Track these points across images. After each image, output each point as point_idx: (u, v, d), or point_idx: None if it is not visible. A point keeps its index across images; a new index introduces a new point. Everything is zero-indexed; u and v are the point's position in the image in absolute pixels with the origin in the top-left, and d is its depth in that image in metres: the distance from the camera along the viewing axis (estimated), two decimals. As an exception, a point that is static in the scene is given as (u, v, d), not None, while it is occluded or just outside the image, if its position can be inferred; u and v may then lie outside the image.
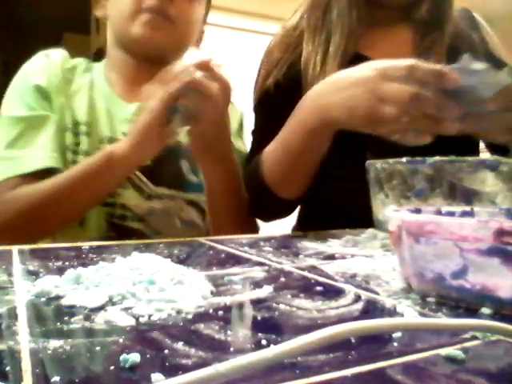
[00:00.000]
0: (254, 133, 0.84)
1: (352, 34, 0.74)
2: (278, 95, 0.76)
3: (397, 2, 0.78)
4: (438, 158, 0.54)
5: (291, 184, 0.69)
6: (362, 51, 0.76)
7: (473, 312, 0.29)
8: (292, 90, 0.73)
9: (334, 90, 0.58)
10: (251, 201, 0.76)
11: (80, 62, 0.86)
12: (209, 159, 0.70)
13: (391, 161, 0.56)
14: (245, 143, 0.91)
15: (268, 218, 0.81)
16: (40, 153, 0.72)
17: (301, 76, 0.75)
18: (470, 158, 0.53)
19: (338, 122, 0.58)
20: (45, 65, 0.80)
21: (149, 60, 0.80)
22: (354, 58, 0.74)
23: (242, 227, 0.72)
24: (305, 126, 0.62)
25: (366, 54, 0.75)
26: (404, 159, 0.55)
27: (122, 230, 0.75)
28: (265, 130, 0.76)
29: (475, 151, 0.80)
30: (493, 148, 0.77)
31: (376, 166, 0.58)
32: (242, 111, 0.94)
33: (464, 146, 0.69)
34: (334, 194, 0.73)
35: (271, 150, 0.69)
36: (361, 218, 0.62)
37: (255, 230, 0.82)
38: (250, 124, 0.89)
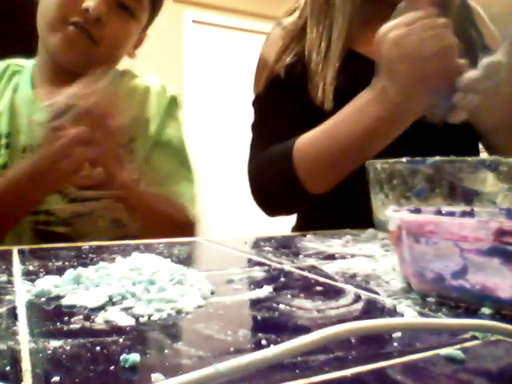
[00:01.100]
0: (257, 126, 0.82)
1: (354, 19, 0.74)
2: (288, 82, 0.76)
3: None
4: (437, 157, 0.54)
5: (330, 177, 0.68)
6: (358, 49, 0.76)
7: (473, 312, 0.29)
8: (299, 78, 0.74)
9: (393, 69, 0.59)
10: (265, 193, 0.76)
11: (8, 65, 0.83)
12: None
13: (391, 161, 0.56)
14: (179, 128, 0.88)
15: (278, 212, 0.80)
16: None
17: (305, 64, 0.75)
18: (469, 158, 0.53)
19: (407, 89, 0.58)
20: None
21: (65, 68, 0.78)
22: (349, 56, 0.74)
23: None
24: (373, 109, 0.62)
25: (361, 52, 0.76)
26: (404, 159, 0.55)
27: (48, 235, 0.74)
28: (275, 119, 0.76)
29: (475, 151, 0.80)
30: (489, 148, 0.78)
31: (376, 166, 0.58)
32: (175, 95, 0.90)
33: (463, 146, 0.69)
34: (334, 193, 0.73)
35: (315, 138, 0.68)
36: (361, 218, 0.62)
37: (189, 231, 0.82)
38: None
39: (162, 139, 0.85)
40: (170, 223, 0.77)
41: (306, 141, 0.69)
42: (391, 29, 0.57)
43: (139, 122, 0.84)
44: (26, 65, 0.84)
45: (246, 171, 0.80)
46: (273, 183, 0.74)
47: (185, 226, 0.80)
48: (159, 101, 0.87)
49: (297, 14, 0.81)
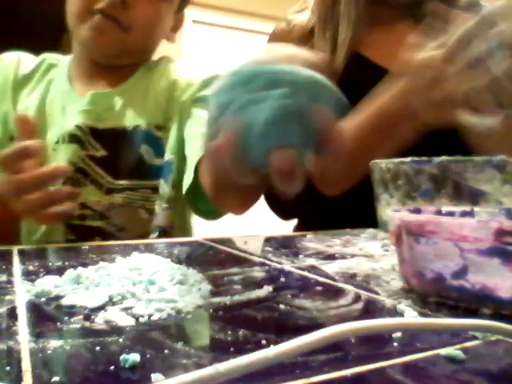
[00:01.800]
0: None
1: (359, 23, 0.74)
2: None
3: (400, 0, 0.78)
4: (443, 157, 0.53)
5: (345, 180, 0.68)
6: (362, 51, 0.76)
7: (473, 312, 0.29)
8: None
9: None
10: (282, 200, 0.74)
11: (44, 59, 0.82)
12: None
13: (396, 160, 0.56)
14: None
15: (292, 216, 0.80)
16: None
17: None
18: (475, 158, 0.53)
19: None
20: None
21: (100, 61, 0.77)
22: (355, 59, 0.74)
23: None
24: (388, 111, 0.61)
25: (366, 55, 0.76)
26: (409, 159, 0.55)
27: (83, 230, 0.71)
28: None
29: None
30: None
31: (381, 165, 0.58)
32: (201, 81, 0.83)
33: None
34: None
35: None
36: (362, 218, 0.62)
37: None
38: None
39: (195, 98, 0.78)
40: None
41: None
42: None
43: (174, 107, 0.78)
44: (63, 59, 0.83)
45: None
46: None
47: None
48: (189, 92, 0.80)
49: (305, 14, 0.81)
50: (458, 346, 0.23)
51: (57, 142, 0.73)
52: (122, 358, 0.21)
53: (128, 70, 0.80)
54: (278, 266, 0.42)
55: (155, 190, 0.75)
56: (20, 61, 0.80)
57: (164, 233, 0.76)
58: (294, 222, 0.87)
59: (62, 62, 0.82)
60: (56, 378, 0.19)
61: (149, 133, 0.74)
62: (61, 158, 0.71)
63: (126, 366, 0.21)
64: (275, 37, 0.84)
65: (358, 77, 0.74)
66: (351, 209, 0.73)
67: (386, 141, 0.62)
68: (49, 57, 0.83)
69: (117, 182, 0.73)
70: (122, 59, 0.77)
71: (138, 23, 0.73)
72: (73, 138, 0.72)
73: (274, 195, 0.78)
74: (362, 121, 0.63)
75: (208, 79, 0.85)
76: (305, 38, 0.78)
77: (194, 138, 0.73)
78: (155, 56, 0.85)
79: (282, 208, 0.78)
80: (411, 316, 0.28)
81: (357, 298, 0.32)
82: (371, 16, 0.76)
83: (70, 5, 0.74)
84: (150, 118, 0.76)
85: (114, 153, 0.72)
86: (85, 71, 0.79)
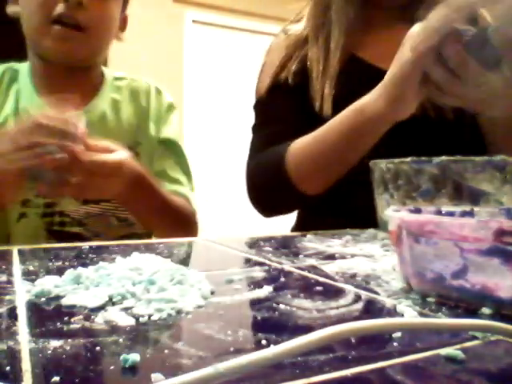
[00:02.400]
0: (257, 128, 0.84)
1: (350, 31, 0.76)
2: (290, 88, 0.77)
3: (394, 2, 0.78)
4: (443, 157, 0.53)
5: (323, 177, 0.70)
6: (357, 53, 0.77)
7: (473, 312, 0.29)
8: (301, 84, 0.76)
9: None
10: (260, 194, 0.78)
11: (3, 70, 0.83)
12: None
13: (396, 161, 0.56)
14: (174, 131, 0.90)
15: (273, 212, 0.82)
16: None
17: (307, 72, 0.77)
18: (476, 158, 0.53)
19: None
20: None
21: (66, 67, 0.79)
22: (351, 60, 0.75)
23: (176, 230, 0.75)
24: (363, 111, 0.63)
25: (361, 56, 0.77)
26: (409, 159, 0.55)
27: (62, 235, 0.77)
28: (275, 122, 0.78)
29: (481, 151, 0.80)
30: (491, 144, 0.77)
31: (381, 165, 0.58)
32: (169, 100, 0.93)
33: (470, 145, 0.69)
34: (334, 193, 0.73)
35: (307, 141, 0.70)
36: (361, 218, 0.62)
37: (193, 229, 0.84)
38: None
39: (160, 139, 0.87)
40: (175, 214, 0.79)
41: (299, 144, 0.71)
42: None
43: (143, 125, 0.87)
44: (21, 68, 0.85)
45: (245, 173, 0.82)
46: (267, 185, 0.76)
47: (188, 220, 0.82)
48: (158, 103, 0.90)
49: (302, 23, 0.82)
50: (458, 346, 0.23)
51: None
52: (122, 357, 0.21)
53: (90, 76, 0.85)
54: (278, 265, 0.42)
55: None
56: None
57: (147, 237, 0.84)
58: (293, 222, 0.88)
59: (21, 71, 0.84)
60: (56, 378, 0.19)
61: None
62: None
63: (126, 366, 0.21)
64: (272, 47, 0.86)
65: (354, 78, 0.74)
66: (351, 209, 0.73)
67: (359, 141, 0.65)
68: (8, 67, 0.84)
69: None
70: (82, 61, 0.81)
71: (94, 22, 0.77)
72: None
73: (257, 191, 0.80)
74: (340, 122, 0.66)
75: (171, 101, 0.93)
76: (300, 45, 0.80)
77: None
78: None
79: (264, 204, 0.80)
80: (411, 316, 0.28)
81: (357, 298, 0.32)
82: (365, 19, 0.77)
83: (27, 18, 0.77)
84: (122, 137, 0.80)
85: None
86: (49, 80, 0.81)
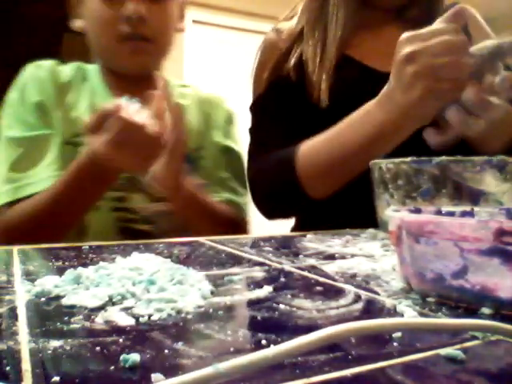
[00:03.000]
0: (256, 130, 0.83)
1: (348, 25, 0.76)
2: (288, 83, 0.77)
3: (389, 3, 0.78)
4: (443, 157, 0.53)
5: (333, 181, 0.69)
6: (351, 54, 0.77)
7: (473, 312, 0.29)
8: (299, 80, 0.76)
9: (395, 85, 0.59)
10: (267, 198, 0.78)
11: (75, 69, 0.85)
12: (172, 190, 0.73)
13: (396, 160, 0.56)
14: (236, 141, 0.93)
15: (279, 215, 0.82)
16: (42, 175, 0.73)
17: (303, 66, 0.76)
18: (475, 158, 0.53)
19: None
20: (39, 79, 0.80)
21: (136, 75, 0.83)
22: (343, 61, 0.75)
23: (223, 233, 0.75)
24: (377, 116, 0.62)
25: (354, 57, 0.77)
26: (409, 159, 0.55)
27: (133, 232, 0.78)
28: (274, 122, 0.78)
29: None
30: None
31: (381, 165, 0.58)
32: (232, 110, 0.96)
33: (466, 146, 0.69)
34: (334, 193, 0.73)
35: (317, 146, 0.69)
36: (361, 218, 0.62)
37: (240, 232, 0.85)
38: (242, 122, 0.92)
39: (223, 146, 0.91)
40: (221, 221, 0.81)
41: (309, 147, 0.70)
42: (407, 42, 0.56)
43: (207, 131, 0.90)
44: (89, 69, 0.87)
45: (246, 175, 0.82)
46: (275, 188, 0.75)
47: (236, 228, 0.84)
48: (221, 111, 0.94)
49: (294, 20, 0.82)
50: (458, 346, 0.23)
51: None
52: (122, 357, 0.21)
53: (155, 80, 0.87)
54: (278, 265, 0.42)
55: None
56: (56, 68, 0.84)
57: None
58: (293, 222, 0.88)
59: (90, 71, 0.86)
60: (56, 378, 0.19)
61: (188, 154, 0.79)
62: None
63: (126, 366, 0.21)
64: (265, 46, 0.85)
65: (347, 77, 0.74)
66: (351, 209, 0.73)
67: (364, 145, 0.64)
68: (78, 66, 0.87)
69: (162, 193, 0.79)
70: (153, 69, 0.85)
71: (159, 31, 0.80)
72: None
73: (263, 194, 0.80)
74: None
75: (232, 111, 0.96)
76: (293, 41, 0.79)
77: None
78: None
79: (268, 206, 0.80)
80: (411, 316, 0.28)
81: (357, 298, 0.32)
82: (360, 18, 0.77)
83: (93, 37, 0.80)
84: (188, 140, 0.81)
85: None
86: (120, 84, 0.84)
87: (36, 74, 0.80)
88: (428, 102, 0.56)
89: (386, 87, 0.61)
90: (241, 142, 0.96)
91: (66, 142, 0.78)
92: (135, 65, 0.80)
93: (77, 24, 0.84)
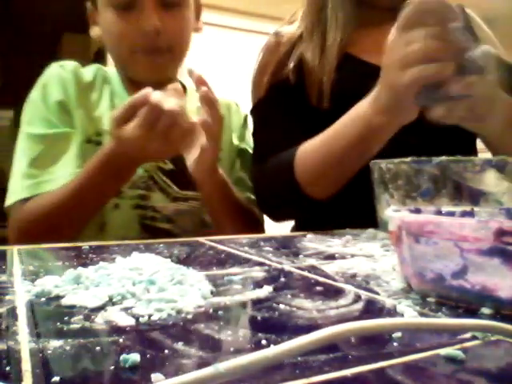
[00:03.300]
0: (258, 133, 0.83)
1: (347, 25, 0.76)
2: (289, 86, 0.77)
3: (387, 2, 0.78)
4: (443, 157, 0.53)
5: (331, 182, 0.70)
6: (354, 52, 0.77)
7: (473, 312, 0.29)
8: (300, 82, 0.76)
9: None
10: (271, 202, 0.78)
11: (96, 70, 0.86)
12: (207, 172, 0.72)
13: (396, 161, 0.56)
14: (250, 145, 0.94)
15: (283, 217, 0.83)
16: (62, 172, 0.73)
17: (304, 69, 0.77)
18: (476, 158, 0.53)
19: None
20: (62, 79, 0.81)
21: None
22: (346, 59, 0.75)
23: (245, 229, 0.74)
24: (367, 115, 0.63)
25: (357, 55, 0.77)
26: (409, 159, 0.55)
27: (153, 230, 0.78)
28: (276, 124, 0.78)
29: (472, 152, 0.80)
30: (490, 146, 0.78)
31: (381, 165, 0.58)
32: (246, 114, 0.97)
33: (460, 145, 0.69)
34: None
35: (314, 147, 0.70)
36: (361, 218, 0.62)
37: (260, 229, 0.86)
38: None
39: (240, 148, 0.92)
40: (245, 218, 0.81)
41: (306, 148, 0.71)
42: (394, 45, 0.58)
43: (225, 134, 0.89)
44: (109, 71, 0.88)
45: (251, 180, 0.84)
46: (277, 192, 0.76)
47: (255, 225, 0.84)
48: (238, 115, 0.96)
49: (295, 24, 0.83)
50: (458, 346, 0.23)
51: None
52: (122, 357, 0.21)
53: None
54: (278, 265, 0.42)
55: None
56: (79, 69, 0.84)
57: None
58: (292, 222, 0.88)
59: (110, 74, 0.87)
60: (56, 378, 0.19)
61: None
62: None
63: (126, 366, 0.21)
64: (265, 50, 0.86)
65: (349, 75, 0.74)
66: (351, 209, 0.73)
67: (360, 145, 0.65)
68: (99, 69, 0.87)
69: (182, 192, 0.82)
70: (171, 75, 0.86)
71: (176, 40, 0.81)
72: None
73: (267, 197, 0.80)
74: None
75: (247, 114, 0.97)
76: (293, 44, 0.80)
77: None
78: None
79: (273, 209, 0.80)
80: (411, 316, 0.28)
81: (357, 298, 0.32)
82: (360, 18, 0.77)
83: (111, 48, 0.82)
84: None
85: (179, 167, 0.78)
86: (136, 88, 0.84)
87: (59, 74, 0.81)
88: (407, 96, 0.57)
89: (376, 86, 0.62)
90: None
91: (87, 140, 0.78)
92: (152, 74, 0.80)
93: (94, 32, 0.84)
